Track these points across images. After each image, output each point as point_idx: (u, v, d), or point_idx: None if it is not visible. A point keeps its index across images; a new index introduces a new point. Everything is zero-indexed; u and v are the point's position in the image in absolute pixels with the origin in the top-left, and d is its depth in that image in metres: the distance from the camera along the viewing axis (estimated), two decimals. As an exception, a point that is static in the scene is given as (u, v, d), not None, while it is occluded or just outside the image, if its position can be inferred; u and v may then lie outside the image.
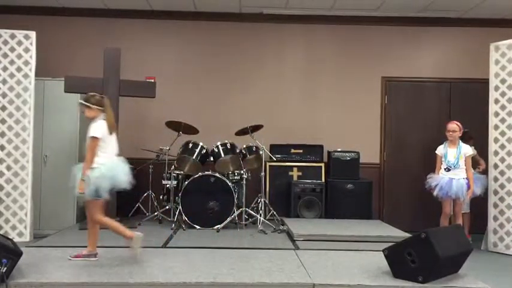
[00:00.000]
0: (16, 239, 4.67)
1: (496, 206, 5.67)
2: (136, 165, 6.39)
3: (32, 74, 5.58)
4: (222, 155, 5.99)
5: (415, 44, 7.15)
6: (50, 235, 5.41)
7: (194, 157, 6.02)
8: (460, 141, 5.44)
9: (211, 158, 6.10)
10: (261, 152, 6.10)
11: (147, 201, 6.39)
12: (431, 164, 5.64)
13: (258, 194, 6.21)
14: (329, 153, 6.85)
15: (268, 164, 6.70)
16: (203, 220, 5.77)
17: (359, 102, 7.10)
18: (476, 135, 6.08)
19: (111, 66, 5.88)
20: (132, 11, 6.94)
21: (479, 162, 6.07)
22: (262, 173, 6.11)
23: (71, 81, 5.82)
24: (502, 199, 5.62)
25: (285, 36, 7.15)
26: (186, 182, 5.88)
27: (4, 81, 5.53)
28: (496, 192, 5.68)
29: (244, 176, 5.94)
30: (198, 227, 5.76)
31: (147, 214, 6.24)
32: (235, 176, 6.07)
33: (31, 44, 5.58)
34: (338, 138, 6.98)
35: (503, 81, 5.69)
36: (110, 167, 4.00)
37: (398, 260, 3.75)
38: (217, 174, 5.91)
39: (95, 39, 6.88)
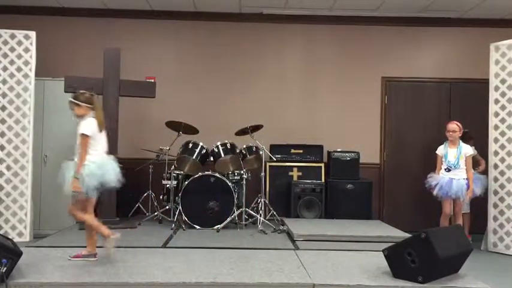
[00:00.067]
0: (16, 239, 4.67)
1: (496, 206, 5.67)
2: (136, 165, 6.42)
3: (32, 74, 5.58)
4: (222, 155, 5.99)
5: (415, 44, 7.15)
6: (50, 235, 5.41)
7: (194, 157, 6.02)
8: (461, 141, 5.44)
9: (211, 158, 6.10)
10: (261, 152, 6.10)
11: (147, 201, 6.39)
12: (431, 164, 5.64)
13: (258, 194, 6.21)
14: (329, 153, 6.85)
15: (268, 164, 6.70)
16: (203, 220, 5.77)
17: (359, 103, 7.10)
18: (476, 135, 6.08)
19: (111, 66, 5.89)
20: (132, 11, 6.94)
21: (479, 162, 6.07)
22: (262, 173, 6.11)
23: (71, 82, 5.81)
24: (502, 199, 5.62)
25: (284, 36, 7.15)
26: (186, 182, 5.88)
27: (4, 81, 5.54)
28: (496, 193, 5.68)
29: (244, 176, 5.94)
30: (198, 227, 5.76)
31: (147, 214, 6.24)
32: (235, 176, 6.07)
33: (31, 44, 5.58)
34: (338, 138, 6.98)
35: (503, 81, 5.69)
36: (99, 164, 3.99)
37: (398, 260, 3.75)
38: (217, 174, 5.91)
39: (95, 39, 6.88)
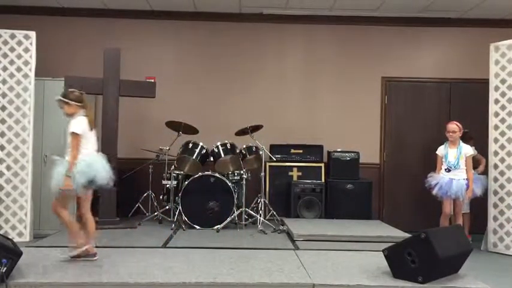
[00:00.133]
0: (16, 239, 4.66)
1: (495, 206, 5.67)
2: (137, 165, 6.42)
3: (32, 74, 5.58)
4: (222, 155, 5.99)
5: (415, 44, 7.15)
6: (50, 235, 5.41)
7: (194, 157, 6.03)
8: (461, 141, 5.44)
9: (211, 158, 6.11)
10: (260, 152, 6.10)
11: (147, 201, 6.39)
12: (431, 164, 5.64)
13: (257, 194, 6.21)
14: (329, 153, 6.86)
15: (268, 164, 6.70)
16: (203, 220, 5.77)
17: (359, 103, 7.10)
18: (476, 135, 6.08)
19: (111, 66, 5.89)
20: (132, 11, 6.94)
21: (480, 161, 6.07)
22: (262, 173, 6.11)
23: (71, 81, 5.80)
24: (502, 199, 5.61)
25: (285, 37, 7.15)
26: (186, 182, 5.89)
27: (4, 81, 5.53)
28: (496, 193, 5.67)
29: (244, 176, 5.94)
30: (198, 227, 5.76)
31: (147, 214, 6.24)
32: (235, 176, 6.07)
33: (31, 44, 5.58)
34: (338, 138, 6.98)
35: (503, 81, 5.69)
36: (89, 163, 3.98)
37: (398, 260, 3.75)
38: (217, 175, 5.91)
39: (95, 39, 6.88)
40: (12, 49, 5.56)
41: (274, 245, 5.04)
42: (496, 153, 5.70)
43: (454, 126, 5.42)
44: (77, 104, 4.10)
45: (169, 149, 6.13)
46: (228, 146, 6.03)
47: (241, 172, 6.00)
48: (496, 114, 5.72)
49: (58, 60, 6.77)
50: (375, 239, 5.22)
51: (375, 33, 7.14)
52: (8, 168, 5.50)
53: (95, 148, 4.19)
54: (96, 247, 4.25)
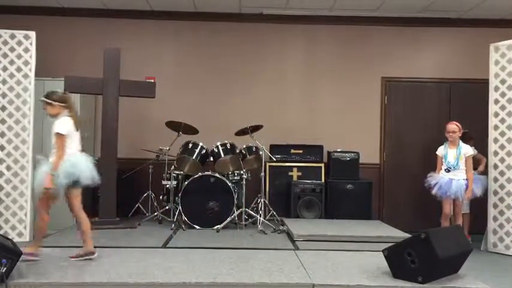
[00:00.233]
0: (16, 239, 4.66)
1: (495, 206, 5.66)
2: (136, 165, 6.42)
3: (32, 74, 5.57)
4: (222, 155, 5.99)
5: (415, 44, 7.16)
6: (50, 235, 5.40)
7: (194, 157, 6.03)
8: (461, 141, 5.44)
9: (211, 158, 6.10)
10: (260, 152, 6.10)
11: (147, 202, 6.39)
12: (431, 164, 5.64)
13: (257, 194, 6.21)
14: (329, 153, 6.86)
15: (268, 164, 6.70)
16: (203, 220, 5.77)
17: (359, 103, 7.11)
18: (476, 135, 6.08)
19: (111, 66, 5.89)
20: (132, 11, 6.95)
21: (481, 161, 6.07)
22: (262, 173, 6.11)
23: (71, 82, 5.82)
24: (501, 199, 5.61)
25: (285, 37, 7.15)
26: (186, 182, 5.88)
27: (4, 82, 5.53)
28: (495, 193, 5.67)
29: (244, 176, 5.94)
30: (197, 227, 5.76)
31: (147, 214, 6.24)
32: (235, 176, 6.07)
33: (31, 44, 5.58)
34: (338, 138, 6.98)
35: (503, 81, 5.69)
36: (73, 163, 3.97)
37: (398, 260, 3.75)
38: (217, 175, 5.91)
39: (95, 39, 6.89)
40: (12, 49, 5.55)
41: (274, 245, 5.04)
42: (496, 154, 5.70)
43: (453, 126, 5.42)
44: (60, 104, 4.09)
45: (169, 149, 6.13)
46: (228, 146, 6.03)
47: (241, 172, 5.99)
48: (496, 115, 5.72)
49: (58, 60, 6.77)
50: (374, 239, 5.22)
51: (375, 34, 7.14)
52: (8, 168, 5.49)
53: (79, 148, 4.17)
54: (96, 247, 4.25)
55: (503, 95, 5.68)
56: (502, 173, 5.63)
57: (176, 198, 5.97)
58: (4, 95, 5.53)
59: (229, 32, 7.10)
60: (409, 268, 3.67)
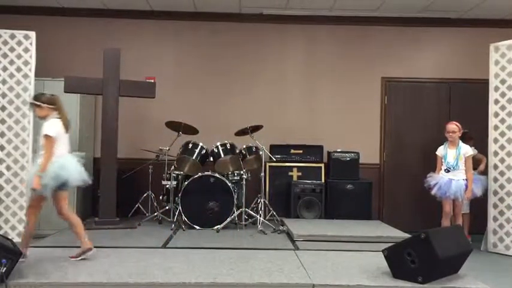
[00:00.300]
0: (16, 239, 4.67)
1: (495, 206, 5.67)
2: (136, 165, 6.42)
3: (32, 74, 5.58)
4: (222, 155, 5.99)
5: (415, 44, 7.15)
6: (50, 235, 5.41)
7: (194, 157, 6.03)
8: (460, 141, 5.44)
9: (211, 159, 6.11)
10: (260, 153, 6.10)
11: (146, 202, 6.39)
12: (431, 164, 5.64)
13: (257, 195, 6.21)
14: (329, 153, 6.86)
15: (268, 164, 6.70)
16: (203, 220, 5.77)
17: (359, 103, 7.11)
18: (476, 135, 6.08)
19: (111, 66, 5.89)
20: (132, 11, 6.94)
21: (481, 161, 6.07)
22: (262, 174, 6.11)
23: (71, 82, 5.83)
24: (501, 199, 5.62)
25: (285, 37, 7.15)
26: (186, 183, 5.88)
27: (4, 82, 5.53)
28: (495, 193, 5.68)
29: (244, 177, 5.94)
30: (197, 227, 5.76)
31: (147, 214, 6.24)
32: (235, 176, 6.07)
33: (31, 44, 5.58)
34: (338, 138, 6.98)
35: (503, 81, 5.69)
36: (61, 165, 3.96)
37: (398, 260, 3.76)
38: (217, 175, 5.91)
39: (95, 39, 6.89)
40: (12, 49, 5.56)
41: (274, 245, 5.04)
42: (496, 154, 5.70)
43: (453, 126, 5.41)
44: (48, 106, 4.09)
45: (169, 149, 6.13)
46: (228, 146, 6.03)
47: (241, 172, 5.99)
48: (496, 115, 5.72)
49: (58, 60, 6.77)
50: (374, 239, 5.22)
51: (375, 34, 7.14)
52: (8, 168, 5.50)
53: (67, 150, 4.16)
54: (96, 247, 4.25)
55: (503, 95, 5.68)
56: (502, 173, 5.63)
57: (176, 198, 5.96)
58: (4, 95, 5.53)
59: (229, 32, 7.10)
60: (409, 268, 3.68)
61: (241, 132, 6.14)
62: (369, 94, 7.12)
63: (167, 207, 6.12)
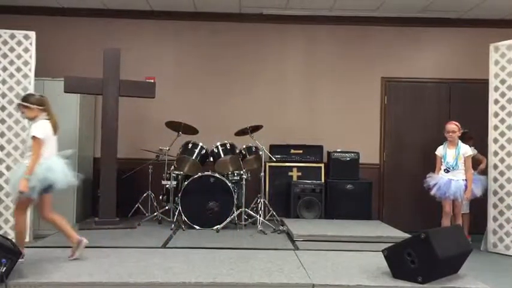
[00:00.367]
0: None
1: (495, 206, 5.67)
2: (136, 165, 6.42)
3: (32, 74, 5.58)
4: (222, 155, 5.99)
5: (415, 44, 7.16)
6: (49, 235, 5.41)
7: (194, 157, 6.03)
8: (460, 141, 5.44)
9: (211, 159, 6.11)
10: (260, 153, 6.10)
11: (146, 202, 6.39)
12: (431, 164, 5.64)
13: (257, 195, 6.21)
14: (329, 153, 6.86)
15: (267, 164, 6.70)
16: (203, 220, 5.77)
17: (359, 103, 7.11)
18: (476, 135, 6.08)
19: (111, 66, 5.89)
20: (132, 11, 6.95)
21: (481, 161, 6.07)
22: (262, 174, 6.11)
23: (71, 82, 5.83)
24: (501, 200, 5.62)
25: (285, 37, 7.15)
26: (186, 183, 5.88)
27: (4, 82, 5.53)
28: (495, 193, 5.68)
29: (244, 177, 5.94)
30: (197, 227, 5.76)
31: (147, 214, 6.24)
32: (234, 176, 6.07)
33: (31, 44, 5.58)
34: (338, 138, 6.98)
35: (502, 81, 5.69)
36: (48, 167, 3.93)
37: (398, 260, 3.76)
38: (216, 175, 5.91)
39: (95, 39, 6.89)
40: (12, 49, 5.56)
41: (274, 245, 5.04)
42: (495, 154, 5.70)
43: (453, 126, 5.41)
44: (38, 107, 4.06)
45: (169, 149, 6.13)
46: (228, 146, 6.03)
47: (241, 172, 5.99)
48: (496, 115, 5.72)
49: (58, 60, 6.77)
50: (374, 239, 5.22)
51: (375, 34, 7.14)
52: (8, 168, 5.49)
53: (54, 152, 4.12)
54: (96, 247, 4.25)
55: (503, 95, 5.68)
56: (502, 173, 5.63)
57: (176, 198, 5.96)
58: (4, 95, 5.53)
59: (229, 32, 7.10)
60: (409, 268, 3.68)
61: (241, 132, 6.14)
62: (368, 94, 7.12)
63: (167, 207, 6.12)
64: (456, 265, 3.93)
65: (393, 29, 7.14)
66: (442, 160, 5.41)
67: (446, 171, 5.36)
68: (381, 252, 3.91)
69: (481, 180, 5.57)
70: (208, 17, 7.04)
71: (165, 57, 7.06)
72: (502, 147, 5.65)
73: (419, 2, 6.41)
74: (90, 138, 6.70)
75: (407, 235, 4.99)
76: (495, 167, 5.69)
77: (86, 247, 4.22)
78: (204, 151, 6.09)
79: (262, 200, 6.08)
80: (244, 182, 5.91)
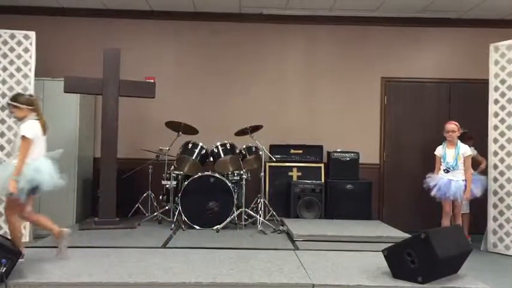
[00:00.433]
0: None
1: (495, 206, 5.67)
2: (136, 165, 6.42)
3: (32, 74, 5.57)
4: (222, 155, 5.99)
5: (415, 44, 7.16)
6: (49, 235, 5.39)
7: (194, 157, 6.03)
8: (459, 141, 5.44)
9: (211, 159, 6.11)
10: (260, 153, 6.10)
11: (146, 202, 6.39)
12: (430, 164, 5.64)
13: (257, 195, 6.21)
14: (329, 153, 6.86)
15: (267, 164, 6.70)
16: (203, 220, 5.77)
17: (359, 103, 7.11)
18: (476, 135, 6.08)
19: (111, 66, 5.89)
20: (132, 11, 6.95)
21: (481, 162, 6.07)
22: (262, 174, 6.11)
23: (71, 82, 5.83)
24: (501, 199, 5.62)
25: (285, 37, 7.15)
26: (186, 183, 5.88)
27: (4, 82, 5.53)
28: (495, 193, 5.68)
29: (244, 177, 5.94)
30: (197, 227, 5.76)
31: (147, 214, 6.24)
32: (234, 176, 6.07)
33: (31, 44, 5.58)
34: (338, 138, 6.98)
35: (502, 81, 5.69)
36: (35, 168, 3.91)
37: (398, 260, 3.76)
38: (216, 175, 5.91)
39: (95, 39, 6.89)
40: (12, 49, 5.55)
41: (274, 245, 5.04)
42: (495, 154, 5.70)
43: (452, 126, 5.41)
44: (27, 107, 4.05)
45: (169, 149, 6.13)
46: (228, 146, 6.03)
47: (241, 172, 5.99)
48: (496, 115, 5.72)
49: (58, 60, 6.78)
50: (374, 239, 5.22)
51: (375, 34, 7.14)
52: (8, 168, 5.49)
53: (43, 153, 4.10)
54: (96, 247, 4.24)
55: (503, 95, 5.68)
56: (501, 173, 5.63)
57: (176, 198, 5.96)
58: (4, 95, 5.52)
59: (229, 32, 7.10)
60: (408, 268, 3.68)
61: (241, 132, 6.14)
62: (368, 94, 7.12)
63: (167, 207, 6.12)
64: (456, 265, 3.93)
65: (393, 29, 7.14)
66: (442, 160, 5.41)
67: (446, 171, 5.36)
68: (381, 252, 3.91)
69: (481, 180, 5.56)
70: (208, 17, 7.04)
71: (165, 57, 7.06)
72: (502, 147, 5.65)
73: (419, 2, 6.42)
74: (90, 138, 6.70)
75: (407, 235, 4.99)
76: (495, 167, 5.69)
77: (86, 247, 4.22)
78: (204, 151, 6.09)
79: (262, 200, 6.08)
80: (244, 182, 5.91)
